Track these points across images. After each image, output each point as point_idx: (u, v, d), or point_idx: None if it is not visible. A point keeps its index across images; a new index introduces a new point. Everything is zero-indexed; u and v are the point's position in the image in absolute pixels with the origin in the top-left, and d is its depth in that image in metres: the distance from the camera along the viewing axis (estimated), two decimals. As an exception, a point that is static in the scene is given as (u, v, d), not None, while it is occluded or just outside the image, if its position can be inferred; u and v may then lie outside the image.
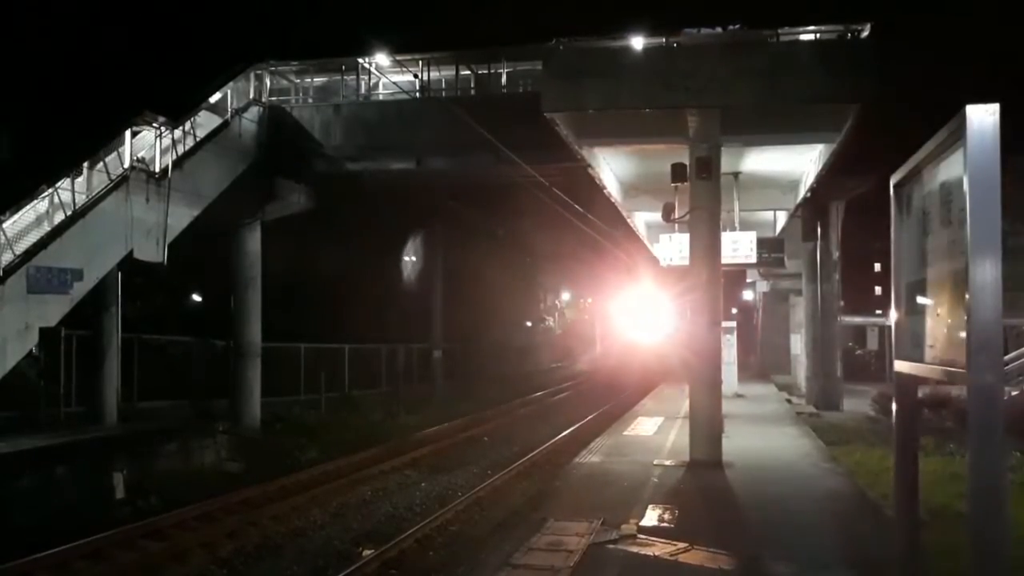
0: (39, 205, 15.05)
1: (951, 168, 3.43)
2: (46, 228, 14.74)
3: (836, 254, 23.35)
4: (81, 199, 15.21)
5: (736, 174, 16.32)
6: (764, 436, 15.27)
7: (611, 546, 7.49)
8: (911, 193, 4.18)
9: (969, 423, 3.03)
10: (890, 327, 4.83)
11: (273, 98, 21.21)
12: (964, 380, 3.06)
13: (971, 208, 2.99)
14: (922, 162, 3.88)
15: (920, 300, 4.02)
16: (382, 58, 20.96)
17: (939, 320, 3.69)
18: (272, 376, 22.42)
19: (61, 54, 26.09)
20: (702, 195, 12.23)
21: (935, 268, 3.72)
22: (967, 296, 2.99)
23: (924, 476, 4.30)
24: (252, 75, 20.58)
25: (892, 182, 4.38)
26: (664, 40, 13.00)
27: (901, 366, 4.19)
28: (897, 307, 4.32)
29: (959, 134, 3.14)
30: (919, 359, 3.97)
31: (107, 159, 16.26)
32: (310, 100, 22.05)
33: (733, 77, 12.05)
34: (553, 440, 19.80)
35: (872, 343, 34.20)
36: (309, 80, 22.35)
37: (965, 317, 3.03)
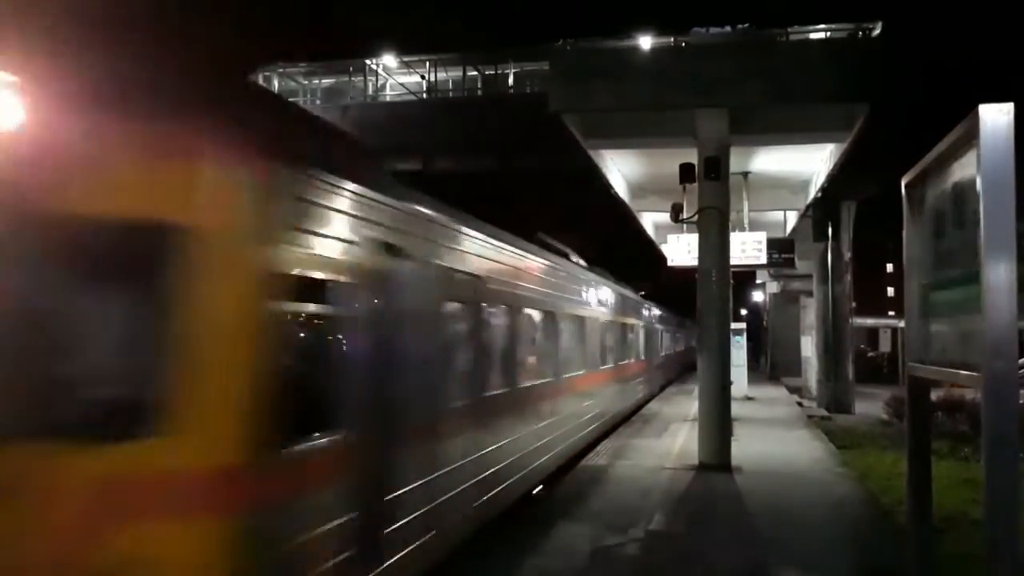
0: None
1: (964, 168, 3.35)
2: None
3: (848, 255, 23.15)
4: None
5: (745, 174, 16.19)
6: (774, 440, 15.13)
7: (618, 549, 7.40)
8: (923, 194, 4.10)
9: (983, 427, 2.95)
10: (902, 329, 4.75)
11: (281, 100, 21.24)
12: (978, 383, 2.98)
13: (985, 209, 2.91)
14: (934, 162, 3.80)
15: (933, 302, 3.93)
16: (389, 59, 20.96)
17: (953, 322, 3.60)
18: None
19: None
20: (711, 195, 12.13)
21: (948, 269, 3.63)
22: (981, 298, 2.91)
23: (938, 481, 4.21)
24: (260, 77, 20.62)
25: (904, 182, 4.29)
26: (672, 40, 12.92)
27: (914, 369, 4.10)
28: (910, 309, 4.23)
29: (972, 134, 3.06)
30: (933, 361, 3.88)
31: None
32: (318, 102, 22.08)
33: (742, 77, 11.96)
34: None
35: (884, 345, 34.00)
36: (317, 81, 22.40)
37: (979, 319, 2.94)
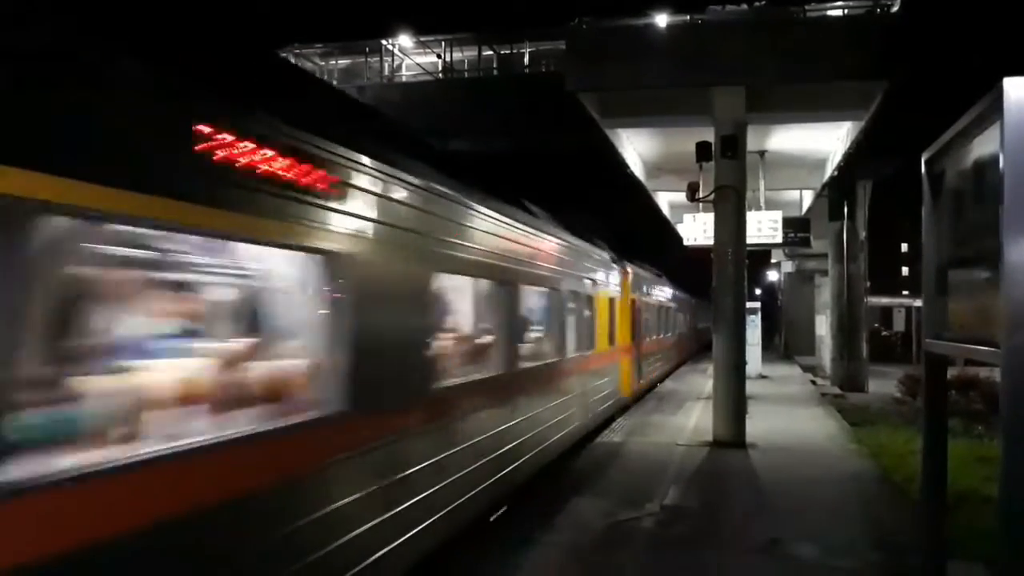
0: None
1: (986, 144, 3.35)
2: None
3: (863, 234, 23.06)
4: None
5: (762, 153, 16.14)
6: (788, 417, 15.18)
7: (634, 524, 7.50)
8: (943, 170, 4.10)
9: (1001, 404, 2.96)
10: (917, 308, 4.76)
11: (297, 80, 21.29)
12: (997, 360, 3.00)
13: (1007, 184, 2.90)
14: (955, 138, 3.79)
15: (952, 278, 3.95)
16: (405, 39, 20.93)
17: (972, 299, 3.62)
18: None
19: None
20: (727, 174, 12.12)
21: (968, 246, 3.64)
22: (1002, 274, 2.93)
23: (950, 459, 4.23)
24: (276, 57, 20.67)
25: (923, 158, 4.28)
26: (688, 18, 12.86)
27: (931, 345, 4.12)
28: (927, 285, 4.24)
29: (995, 108, 3.05)
30: (950, 338, 3.90)
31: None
32: (335, 82, 22.08)
33: (758, 55, 11.90)
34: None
35: (898, 324, 33.83)
36: (333, 62, 22.39)
37: (1000, 295, 2.96)
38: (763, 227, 15.75)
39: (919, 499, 4.55)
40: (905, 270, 67.20)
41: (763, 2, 13.26)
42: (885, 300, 36.30)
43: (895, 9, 12.22)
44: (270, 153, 3.87)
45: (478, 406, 6.70)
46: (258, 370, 4.09)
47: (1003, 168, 2.92)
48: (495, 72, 21.16)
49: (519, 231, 8.12)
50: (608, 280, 13.32)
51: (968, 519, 6.91)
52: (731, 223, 12.23)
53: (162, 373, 3.54)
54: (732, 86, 12.07)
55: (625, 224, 29.34)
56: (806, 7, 13.26)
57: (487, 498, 6.84)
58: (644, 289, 18.15)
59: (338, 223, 4.42)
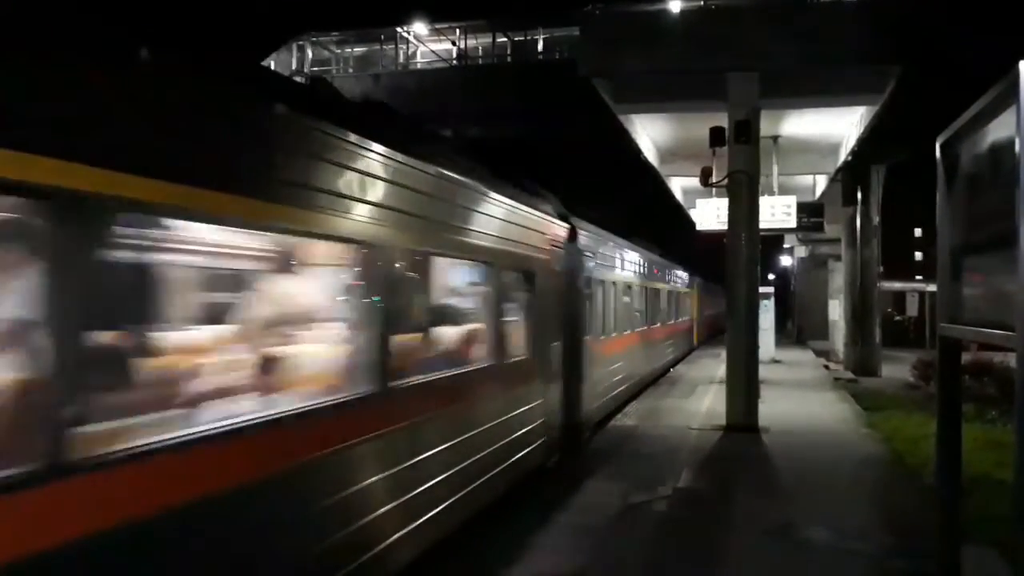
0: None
1: (1001, 128, 3.35)
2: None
3: (876, 219, 22.93)
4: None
5: (775, 138, 16.09)
6: (801, 401, 15.20)
7: (647, 506, 7.57)
8: (958, 154, 4.10)
9: (1016, 388, 2.98)
10: (930, 293, 4.76)
11: (315, 68, 21.34)
12: (1013, 344, 3.02)
13: (1023, 168, 2.92)
14: (971, 122, 3.80)
15: (967, 262, 3.96)
16: (420, 27, 20.95)
17: (987, 283, 3.64)
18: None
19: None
20: (741, 159, 12.11)
21: (983, 230, 3.66)
22: (1018, 258, 2.94)
23: (964, 444, 4.26)
24: (294, 46, 20.73)
25: (938, 143, 4.29)
26: (702, 3, 12.82)
27: (946, 330, 4.13)
28: (942, 270, 4.25)
29: (1011, 92, 3.06)
30: (965, 322, 3.91)
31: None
32: (350, 70, 22.13)
33: (772, 39, 11.87)
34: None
35: (912, 309, 33.64)
36: (349, 50, 22.44)
37: (1015, 279, 2.98)
38: (776, 212, 15.73)
39: (934, 483, 4.57)
40: (919, 255, 66.79)
41: None
42: (898, 285, 36.13)
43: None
44: None
45: (666, 337, 20.33)
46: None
47: (1019, 152, 2.93)
48: (509, 59, 21.15)
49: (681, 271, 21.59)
50: (689, 283, 26.54)
51: (982, 503, 6.94)
52: (744, 208, 12.23)
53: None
54: (746, 71, 12.04)
55: (638, 209, 29.35)
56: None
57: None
58: (698, 286, 30.19)
59: None
